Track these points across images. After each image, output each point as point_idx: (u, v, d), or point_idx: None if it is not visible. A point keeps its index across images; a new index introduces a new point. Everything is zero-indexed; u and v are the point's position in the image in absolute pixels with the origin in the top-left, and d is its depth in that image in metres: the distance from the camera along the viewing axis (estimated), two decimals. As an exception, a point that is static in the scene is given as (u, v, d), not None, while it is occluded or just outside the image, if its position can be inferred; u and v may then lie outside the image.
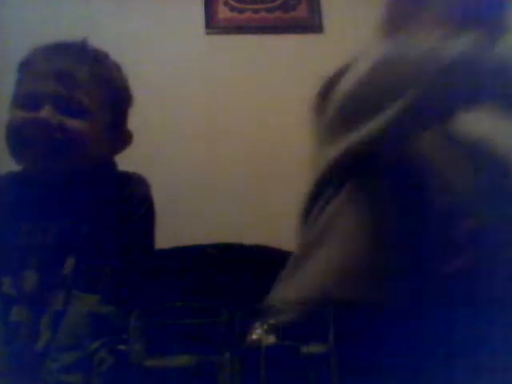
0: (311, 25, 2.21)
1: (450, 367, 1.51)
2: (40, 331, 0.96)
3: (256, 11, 2.22)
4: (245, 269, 1.82)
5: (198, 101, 2.12)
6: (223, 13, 2.21)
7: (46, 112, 0.97)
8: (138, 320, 0.62)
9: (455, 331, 1.48)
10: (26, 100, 1.01)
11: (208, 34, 2.19)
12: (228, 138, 2.11)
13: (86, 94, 1.01)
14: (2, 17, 2.12)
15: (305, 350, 0.61)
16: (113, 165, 1.12)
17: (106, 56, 1.14)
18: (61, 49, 1.08)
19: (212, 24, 2.19)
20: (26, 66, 1.07)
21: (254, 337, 0.59)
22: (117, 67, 1.14)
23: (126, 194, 1.04)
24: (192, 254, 1.80)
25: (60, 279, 0.98)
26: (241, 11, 2.22)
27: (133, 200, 1.05)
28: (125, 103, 1.14)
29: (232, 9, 2.21)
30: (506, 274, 0.83)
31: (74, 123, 0.99)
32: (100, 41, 2.10)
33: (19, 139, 1.00)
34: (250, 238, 1.88)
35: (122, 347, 0.64)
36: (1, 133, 1.03)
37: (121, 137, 1.12)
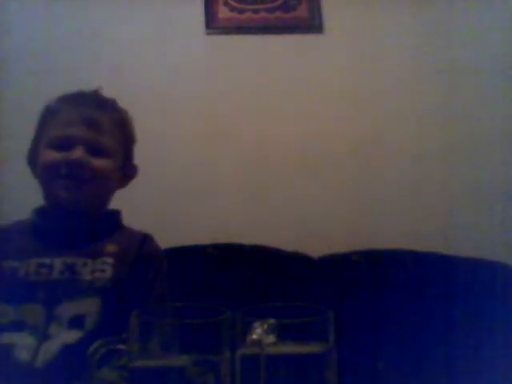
0: (311, 25, 2.21)
1: (450, 369, 1.51)
2: (38, 352, 1.00)
3: (256, 11, 2.22)
4: (245, 269, 1.82)
5: (198, 101, 2.11)
6: (223, 13, 2.20)
7: (78, 152, 1.12)
8: (138, 320, 0.62)
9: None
10: (59, 142, 1.14)
11: (208, 34, 2.19)
12: (228, 138, 2.10)
13: (108, 137, 1.17)
14: (2, 20, 2.12)
15: (305, 349, 0.61)
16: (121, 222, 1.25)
17: (116, 102, 1.25)
18: (83, 98, 1.21)
19: (212, 24, 2.19)
20: (54, 113, 1.19)
21: (254, 337, 0.59)
22: (125, 112, 1.25)
23: (142, 252, 1.17)
24: (192, 254, 1.80)
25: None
26: (241, 11, 2.21)
27: (148, 258, 1.17)
28: (133, 142, 1.26)
29: (232, 9, 2.21)
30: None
31: (100, 163, 1.14)
32: (100, 42, 2.12)
33: (53, 176, 1.13)
34: (249, 238, 1.88)
35: (122, 347, 0.64)
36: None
37: (130, 171, 1.26)
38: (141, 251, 1.17)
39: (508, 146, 2.09)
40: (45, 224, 1.15)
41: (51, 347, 1.00)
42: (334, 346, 0.62)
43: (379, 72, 2.18)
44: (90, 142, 1.14)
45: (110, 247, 1.13)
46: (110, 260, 1.10)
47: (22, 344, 1.00)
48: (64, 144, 1.13)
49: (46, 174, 1.14)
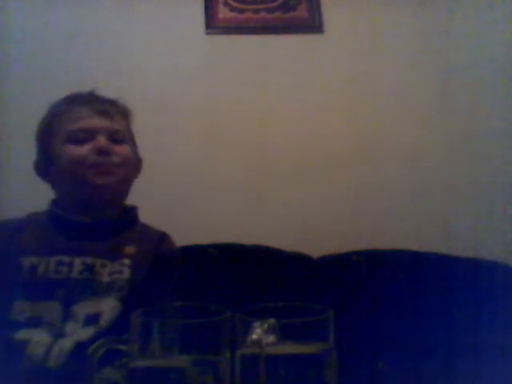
0: (311, 25, 2.21)
1: (450, 369, 1.50)
2: (52, 349, 1.01)
3: (256, 11, 2.22)
4: (245, 269, 1.82)
5: (198, 101, 2.11)
6: (223, 13, 2.20)
7: (102, 141, 1.15)
8: (138, 320, 0.62)
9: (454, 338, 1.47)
10: (79, 135, 1.16)
11: (208, 34, 2.19)
12: (228, 138, 2.10)
13: (121, 126, 1.21)
14: (2, 20, 2.12)
15: (305, 349, 0.61)
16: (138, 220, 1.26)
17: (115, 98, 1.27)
18: (85, 97, 1.23)
19: (212, 24, 2.19)
20: (61, 113, 1.20)
21: (254, 337, 0.59)
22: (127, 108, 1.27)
23: (160, 253, 1.19)
24: (192, 254, 1.80)
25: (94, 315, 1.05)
26: (241, 11, 2.21)
27: (164, 254, 1.20)
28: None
29: (232, 9, 2.21)
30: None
31: (122, 149, 1.18)
32: (100, 42, 2.12)
33: (82, 168, 1.14)
34: (249, 238, 1.88)
35: (121, 347, 0.64)
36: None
37: (138, 164, 1.26)
38: (159, 251, 1.18)
39: (508, 145, 2.10)
40: (63, 218, 1.16)
41: (65, 344, 1.01)
42: (334, 346, 0.62)
43: (379, 72, 2.18)
44: (108, 130, 1.17)
45: (129, 249, 1.14)
46: (127, 261, 1.12)
47: (37, 340, 1.01)
48: (84, 136, 1.15)
49: (74, 168, 1.14)
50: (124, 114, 1.24)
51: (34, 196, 1.17)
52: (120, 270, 1.10)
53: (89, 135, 1.15)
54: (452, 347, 1.62)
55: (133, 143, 1.24)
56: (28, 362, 0.99)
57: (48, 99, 1.21)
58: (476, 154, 2.11)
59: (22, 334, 1.02)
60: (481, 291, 1.68)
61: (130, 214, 1.23)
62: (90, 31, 2.13)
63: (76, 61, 2.07)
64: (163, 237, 1.23)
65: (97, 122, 1.17)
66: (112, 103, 1.23)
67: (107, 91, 1.23)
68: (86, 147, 1.14)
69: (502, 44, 2.17)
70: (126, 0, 2.17)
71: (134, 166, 1.23)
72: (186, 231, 1.90)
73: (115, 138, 1.18)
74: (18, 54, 2.08)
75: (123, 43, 2.14)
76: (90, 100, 1.21)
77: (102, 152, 1.14)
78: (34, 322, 1.03)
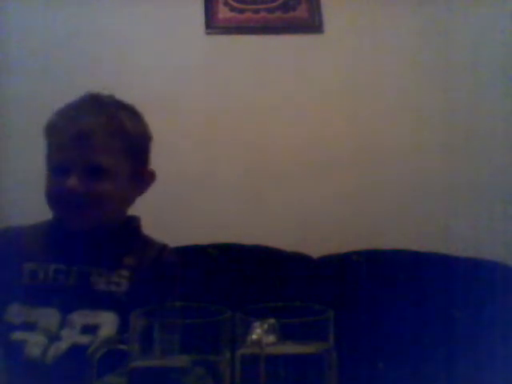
0: (311, 25, 2.21)
1: (450, 369, 1.50)
2: (48, 349, 1.02)
3: (256, 11, 2.21)
4: (245, 269, 1.82)
5: (197, 101, 2.11)
6: (223, 13, 2.20)
7: (72, 181, 1.07)
8: (138, 320, 0.62)
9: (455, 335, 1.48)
10: (55, 168, 1.11)
11: (208, 34, 2.19)
12: (228, 138, 2.10)
13: (103, 153, 1.10)
14: (2, 20, 2.11)
15: (305, 349, 0.61)
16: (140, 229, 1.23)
17: (120, 107, 1.18)
18: (83, 109, 1.14)
19: (212, 24, 2.19)
20: (51, 134, 1.14)
21: (254, 337, 0.59)
22: (131, 117, 1.19)
23: (159, 265, 1.16)
24: (192, 254, 1.80)
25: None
26: (241, 11, 2.21)
27: (165, 266, 1.17)
28: (144, 147, 1.22)
29: (232, 9, 2.21)
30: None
31: (98, 186, 1.09)
32: (100, 42, 2.12)
33: (54, 202, 1.12)
34: (250, 238, 1.88)
35: (122, 347, 0.64)
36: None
37: (144, 178, 1.21)
38: (158, 264, 1.16)
39: (508, 145, 2.09)
40: (62, 230, 1.15)
41: (61, 346, 1.02)
42: (334, 346, 0.62)
43: (379, 72, 2.18)
44: (85, 164, 1.09)
45: (127, 259, 1.12)
46: (125, 273, 1.10)
47: (33, 341, 1.02)
48: (60, 170, 1.10)
49: (49, 201, 1.12)
50: (117, 133, 1.13)
51: (33, 196, 1.17)
52: (117, 282, 1.09)
53: (63, 169, 1.09)
54: (452, 347, 1.62)
55: (131, 163, 1.16)
56: (26, 361, 1.00)
57: (48, 99, 1.20)
58: (476, 153, 2.11)
59: (18, 336, 1.03)
60: (481, 291, 1.68)
61: (131, 224, 1.21)
62: (90, 31, 2.12)
63: (76, 61, 2.07)
64: (163, 249, 1.20)
65: (72, 154, 1.09)
66: (108, 119, 1.13)
67: (107, 91, 1.22)
68: (58, 183, 1.10)
69: (502, 44, 2.16)
70: (126, 0, 2.17)
71: (125, 190, 1.15)
72: (186, 231, 1.91)
73: (94, 170, 1.09)
74: (18, 54, 2.08)
75: (123, 43, 2.14)
76: (78, 118, 1.11)
77: (69, 193, 1.08)
78: (29, 327, 1.03)
